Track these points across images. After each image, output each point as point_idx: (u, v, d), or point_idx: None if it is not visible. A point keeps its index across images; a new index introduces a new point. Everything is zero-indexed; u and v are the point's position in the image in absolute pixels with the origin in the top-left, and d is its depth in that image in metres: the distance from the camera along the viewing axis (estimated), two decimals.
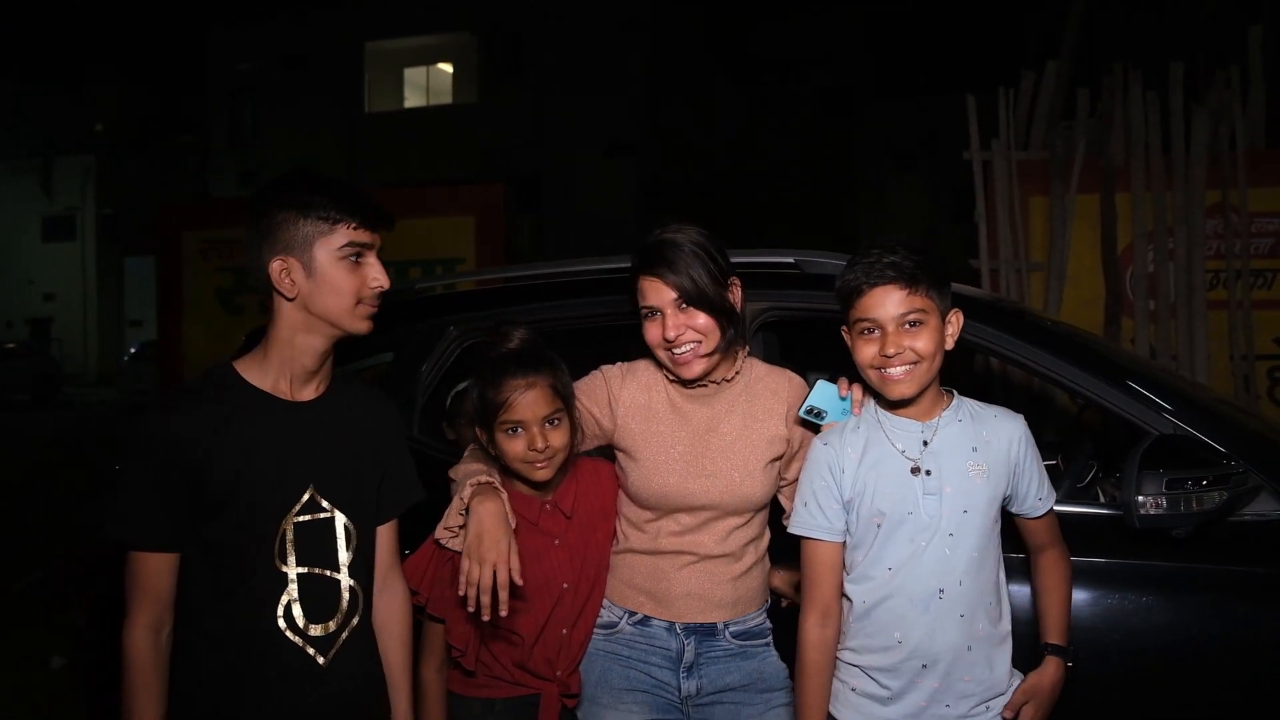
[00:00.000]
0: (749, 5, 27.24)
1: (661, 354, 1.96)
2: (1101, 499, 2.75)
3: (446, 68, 27.63)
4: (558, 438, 1.97)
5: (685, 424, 2.00)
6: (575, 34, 24.54)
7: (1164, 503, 1.96)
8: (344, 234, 1.66)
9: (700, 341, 1.92)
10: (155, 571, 1.64)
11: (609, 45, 24.46)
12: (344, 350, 2.71)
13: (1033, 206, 5.94)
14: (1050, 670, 1.84)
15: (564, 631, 2.01)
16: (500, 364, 1.98)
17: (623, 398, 2.04)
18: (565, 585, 2.01)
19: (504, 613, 1.77)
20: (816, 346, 3.35)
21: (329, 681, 1.72)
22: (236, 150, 28.41)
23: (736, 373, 2.02)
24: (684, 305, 1.91)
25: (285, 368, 1.73)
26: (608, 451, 2.14)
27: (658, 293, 1.92)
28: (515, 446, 1.96)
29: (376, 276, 1.70)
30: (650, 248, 1.94)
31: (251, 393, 1.70)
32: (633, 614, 2.01)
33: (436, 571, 1.99)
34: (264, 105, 27.88)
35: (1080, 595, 2.08)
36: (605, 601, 2.06)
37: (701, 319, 1.91)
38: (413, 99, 27.85)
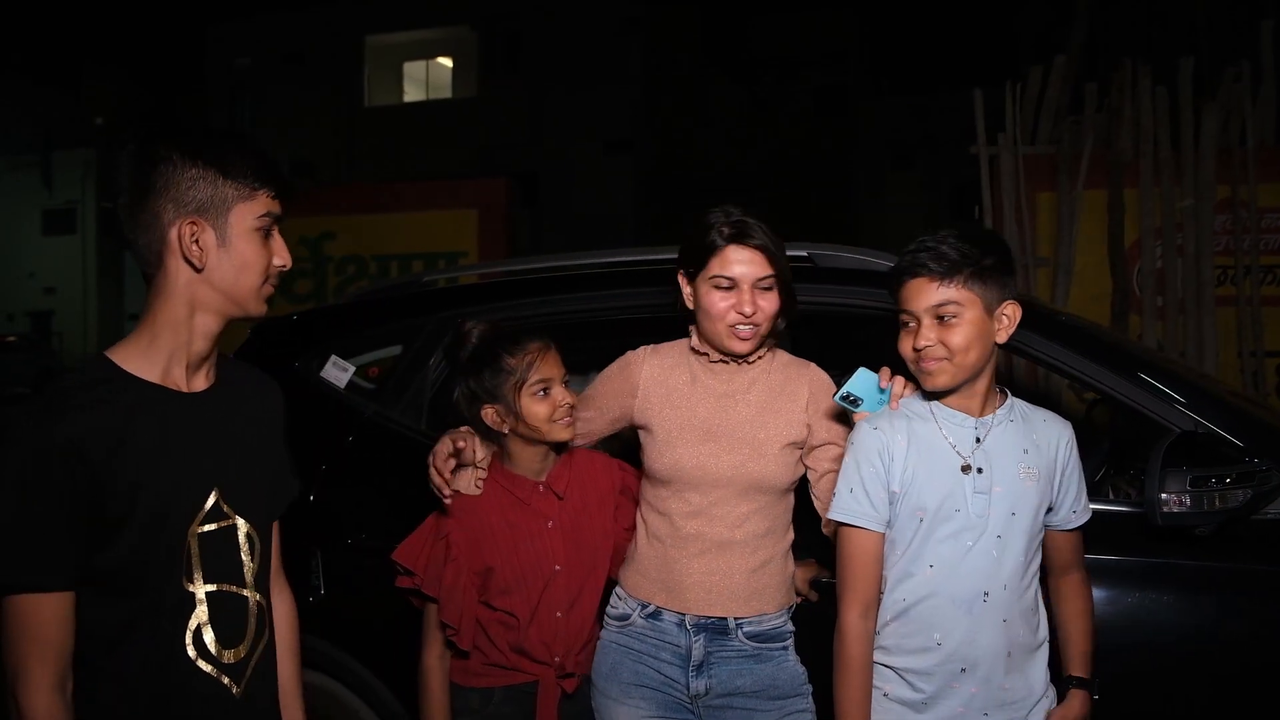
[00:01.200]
0: (747, 3, 27.23)
1: (720, 325, 1.94)
2: (1112, 495, 2.72)
3: (446, 62, 27.57)
4: (573, 397, 2.05)
5: (703, 397, 2.01)
6: (573, 31, 24.50)
7: (1187, 500, 1.93)
8: (264, 202, 1.47)
9: (763, 323, 1.94)
10: (53, 618, 1.35)
11: (607, 43, 24.43)
12: (354, 344, 2.71)
13: (1039, 202, 5.93)
14: (1076, 705, 1.79)
15: (558, 614, 2.02)
16: (508, 335, 2.05)
17: (644, 373, 2.06)
18: (558, 567, 2.03)
19: (451, 467, 1.93)
20: (829, 341, 3.33)
21: (245, 713, 1.52)
22: None
23: (759, 356, 2.03)
24: (765, 286, 1.92)
25: (179, 353, 1.48)
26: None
27: (748, 265, 1.92)
28: (544, 407, 2.00)
29: (282, 254, 1.52)
30: (742, 222, 1.93)
31: (142, 387, 1.44)
32: (645, 606, 1.99)
33: (431, 552, 2.02)
34: (263, 100, 27.80)
35: (1098, 593, 2.05)
36: (622, 593, 2.04)
37: (771, 303, 1.94)
38: (412, 93, 27.80)
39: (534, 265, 3.06)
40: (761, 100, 27.54)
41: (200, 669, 1.47)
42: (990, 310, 1.73)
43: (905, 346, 1.76)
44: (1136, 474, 2.80)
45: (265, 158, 1.49)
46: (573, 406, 2.03)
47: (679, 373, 2.05)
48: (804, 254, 2.61)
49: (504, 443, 2.08)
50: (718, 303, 1.94)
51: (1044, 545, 1.84)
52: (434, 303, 2.77)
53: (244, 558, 1.54)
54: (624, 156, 25.01)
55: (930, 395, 1.79)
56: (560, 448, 2.09)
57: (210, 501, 1.50)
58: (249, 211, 1.46)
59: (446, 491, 1.94)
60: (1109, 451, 2.85)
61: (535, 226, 24.03)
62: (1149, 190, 5.66)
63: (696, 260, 1.97)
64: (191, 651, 1.46)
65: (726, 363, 2.02)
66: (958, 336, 1.70)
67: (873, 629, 1.78)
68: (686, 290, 2.01)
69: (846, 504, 1.79)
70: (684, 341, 2.09)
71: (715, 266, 1.93)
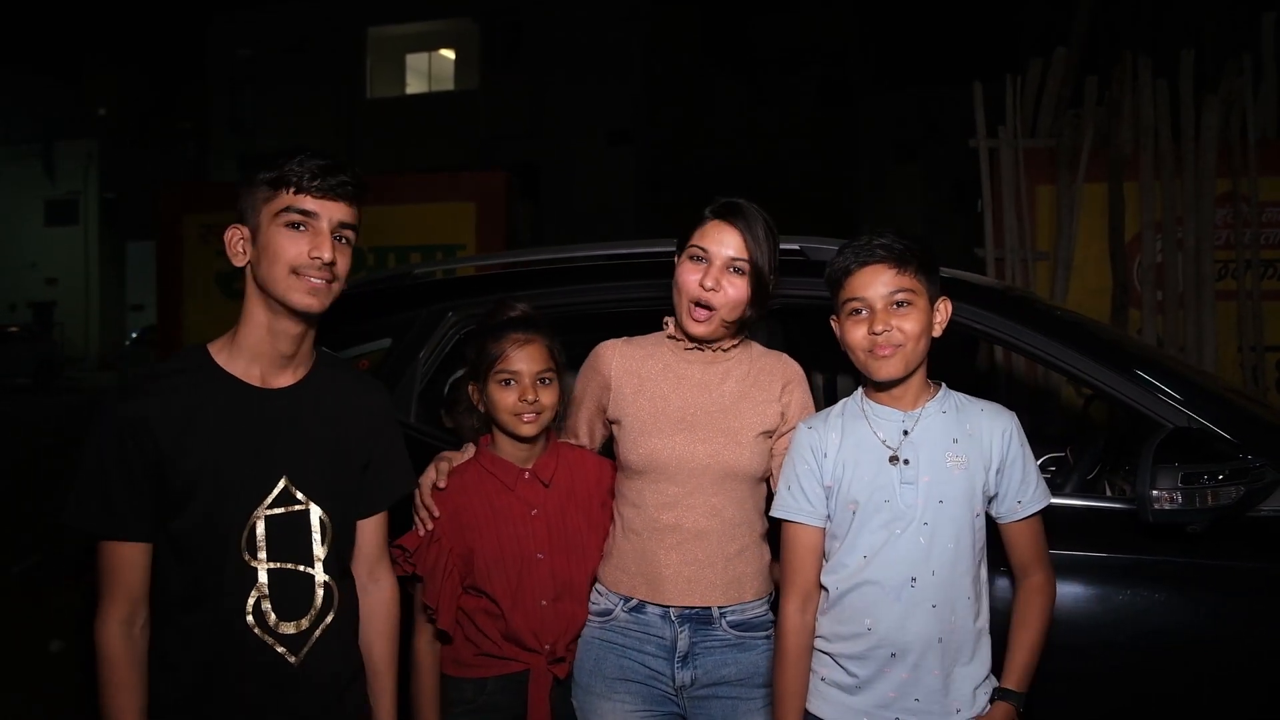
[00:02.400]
0: None
1: (683, 299, 1.97)
2: (1109, 493, 2.71)
3: (449, 54, 27.53)
4: (547, 396, 2.05)
5: (679, 384, 2.01)
6: (575, 23, 24.47)
7: (1179, 497, 1.92)
8: (285, 198, 1.62)
9: (723, 307, 1.93)
10: (125, 563, 1.59)
11: (609, 35, 24.40)
12: (341, 337, 2.69)
13: (1039, 195, 5.88)
14: (996, 717, 1.75)
15: (543, 602, 2.02)
16: (503, 323, 2.10)
17: (615, 365, 2.06)
18: (540, 555, 2.03)
19: (429, 502, 2.01)
20: (821, 335, 3.32)
21: (302, 681, 1.66)
22: (237, 136, 28.33)
23: (734, 345, 2.04)
24: (735, 268, 1.93)
25: (255, 349, 1.67)
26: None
27: (721, 241, 1.93)
28: (508, 398, 2.03)
29: (316, 246, 1.62)
30: (731, 202, 1.96)
31: (222, 378, 1.65)
32: (627, 600, 1.98)
33: (428, 535, 2.06)
34: (264, 91, 27.78)
35: (1089, 591, 2.04)
36: (602, 589, 2.04)
37: (738, 290, 1.93)
38: (415, 85, 27.77)
39: (525, 258, 3.05)
40: (763, 93, 27.45)
41: (256, 637, 1.62)
42: (932, 302, 1.80)
43: (856, 335, 1.79)
44: (1133, 469, 2.78)
45: (298, 160, 1.62)
46: (535, 402, 2.02)
47: (652, 363, 2.05)
48: (796, 247, 2.60)
49: (491, 426, 2.11)
50: (687, 274, 1.96)
51: (1003, 542, 1.84)
52: (423, 296, 2.75)
53: (314, 540, 1.68)
54: (625, 149, 25.01)
55: (880, 387, 1.82)
56: (537, 440, 2.09)
57: (279, 487, 1.65)
58: (271, 208, 1.62)
59: (429, 525, 2.03)
60: (1104, 446, 2.82)
61: (537, 219, 24.02)
62: (1149, 184, 5.63)
63: (683, 234, 1.99)
64: (250, 620, 1.62)
65: (700, 350, 2.02)
66: (911, 323, 1.76)
67: (810, 620, 1.83)
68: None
69: (784, 500, 1.86)
70: (659, 334, 2.09)
71: (695, 237, 1.96)
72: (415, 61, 27.75)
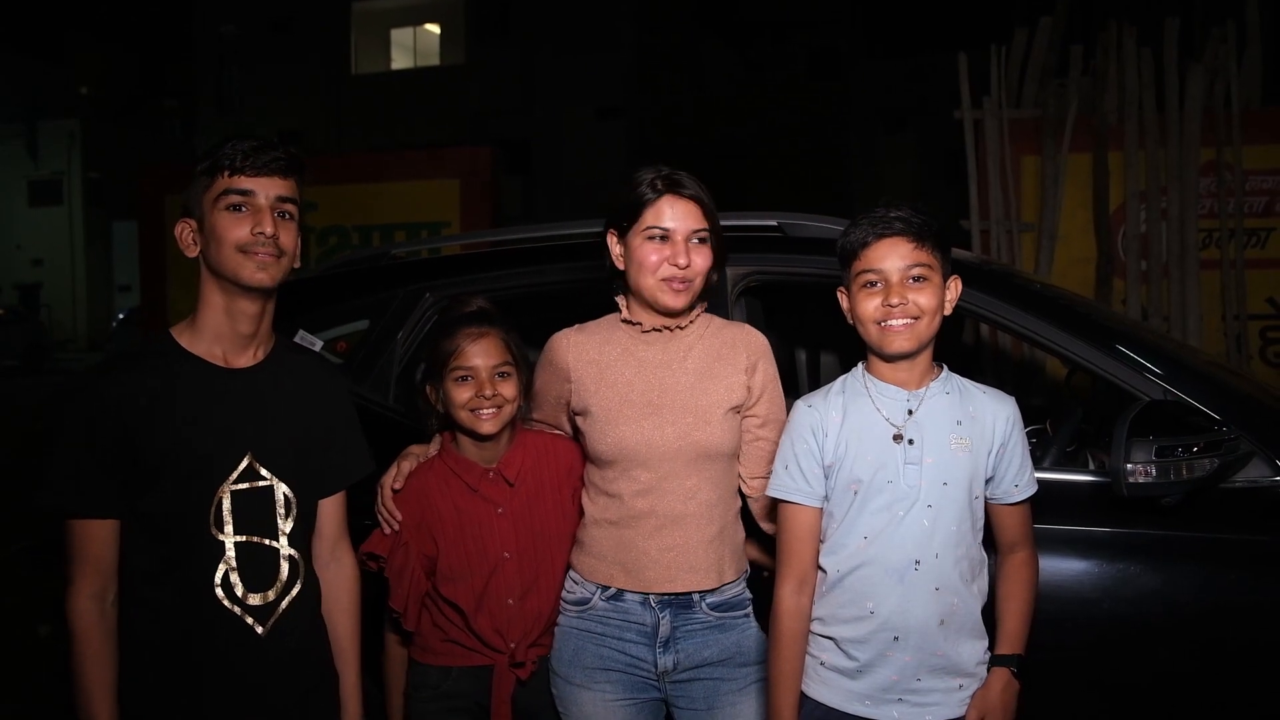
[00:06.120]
0: None
1: (652, 279, 1.91)
2: (1091, 465, 2.72)
3: (434, 28, 27.29)
4: (507, 389, 2.01)
5: (640, 369, 1.96)
6: None
7: (1153, 470, 1.92)
8: (222, 182, 1.67)
9: (697, 278, 1.92)
10: (94, 539, 1.63)
11: (599, 7, 24.19)
12: (320, 319, 2.68)
13: (1024, 166, 5.87)
14: (996, 684, 1.76)
15: (509, 602, 2.00)
16: (454, 319, 2.06)
17: (572, 356, 2.00)
18: (507, 555, 2.01)
19: (390, 505, 2.01)
20: (800, 311, 3.31)
21: (269, 651, 1.71)
22: (222, 114, 28.11)
23: (691, 322, 2.00)
24: (699, 239, 1.91)
25: (214, 331, 1.72)
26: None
27: (680, 218, 1.90)
28: (464, 394, 1.99)
29: (258, 223, 1.66)
30: (675, 175, 1.93)
31: (186, 359, 1.70)
32: (605, 589, 1.95)
33: (395, 538, 2.04)
34: (250, 69, 27.53)
35: (1068, 565, 2.05)
36: (577, 577, 2.00)
37: (704, 258, 1.92)
38: (400, 60, 27.54)
39: (504, 236, 3.04)
40: (755, 65, 27.29)
41: (225, 608, 1.67)
42: (945, 280, 1.77)
43: (868, 307, 1.75)
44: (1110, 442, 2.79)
45: (229, 145, 1.67)
46: (495, 396, 1.98)
47: (609, 348, 1.99)
48: (774, 223, 2.59)
49: (454, 428, 2.07)
50: (650, 255, 1.90)
51: (992, 522, 1.83)
52: (400, 276, 2.74)
53: (279, 515, 1.74)
54: (616, 123, 24.89)
55: (889, 361, 1.79)
56: (499, 437, 2.04)
57: (244, 463, 1.70)
58: (211, 194, 1.67)
59: (394, 524, 2.02)
60: (1082, 418, 2.83)
61: (528, 194, 23.93)
62: (1134, 154, 5.62)
63: (629, 214, 1.93)
64: (218, 592, 1.67)
65: (660, 331, 1.97)
66: (927, 297, 1.73)
67: (806, 604, 1.80)
68: (616, 250, 1.97)
69: (782, 481, 1.82)
70: (612, 316, 2.04)
71: (649, 218, 1.91)
72: (400, 37, 27.49)
